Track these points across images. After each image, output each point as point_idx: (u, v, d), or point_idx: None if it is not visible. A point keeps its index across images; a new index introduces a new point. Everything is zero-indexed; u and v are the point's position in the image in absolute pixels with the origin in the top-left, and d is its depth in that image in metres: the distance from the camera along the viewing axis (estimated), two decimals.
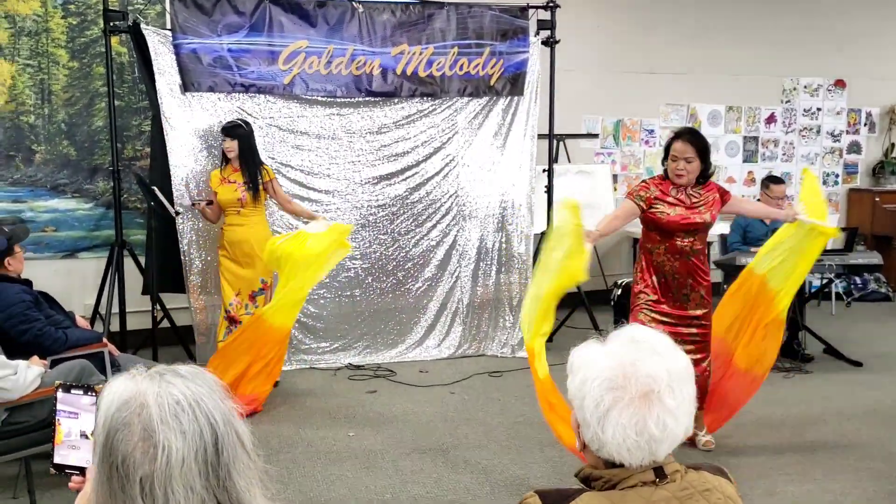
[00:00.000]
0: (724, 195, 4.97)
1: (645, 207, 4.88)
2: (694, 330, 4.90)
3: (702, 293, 4.94)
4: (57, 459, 1.83)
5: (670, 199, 4.86)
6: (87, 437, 1.81)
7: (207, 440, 1.33)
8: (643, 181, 5.09)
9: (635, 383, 1.66)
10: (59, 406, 1.84)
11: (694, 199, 4.86)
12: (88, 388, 1.85)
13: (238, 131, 6.19)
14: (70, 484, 1.79)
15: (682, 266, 4.89)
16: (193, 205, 6.38)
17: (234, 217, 6.23)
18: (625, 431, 1.65)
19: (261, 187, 6.21)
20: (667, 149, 4.94)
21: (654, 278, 4.93)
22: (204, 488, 1.31)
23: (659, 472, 1.70)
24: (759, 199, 7.61)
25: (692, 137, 4.87)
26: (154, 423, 1.31)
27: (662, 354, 1.72)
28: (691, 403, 1.72)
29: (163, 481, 1.29)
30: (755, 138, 10.15)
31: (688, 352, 4.66)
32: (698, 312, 4.92)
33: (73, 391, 1.84)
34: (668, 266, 4.90)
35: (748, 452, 5.06)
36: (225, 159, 6.27)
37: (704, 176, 4.92)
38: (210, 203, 6.30)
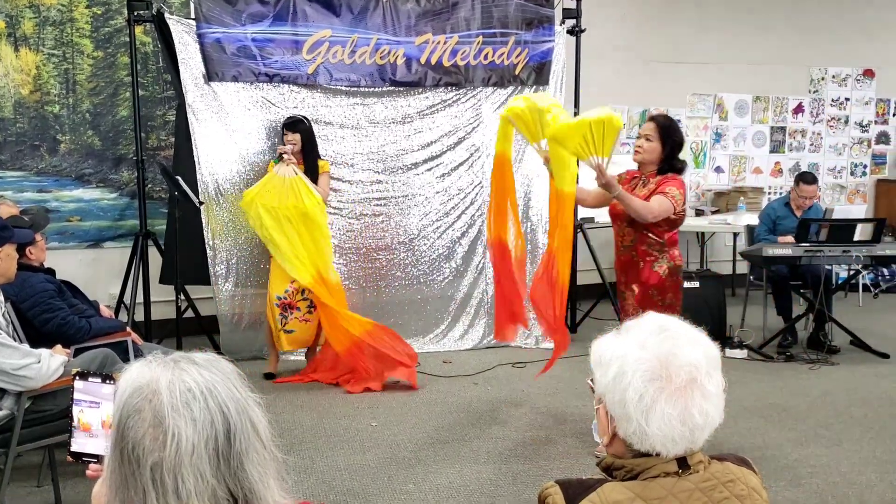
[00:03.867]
0: (655, 191, 4.65)
1: None
2: None
3: (633, 293, 4.75)
4: (74, 447, 1.83)
5: (625, 188, 4.73)
6: (105, 425, 1.80)
7: (219, 429, 1.31)
8: (625, 171, 5.04)
9: (678, 372, 1.64)
10: (76, 395, 1.84)
11: (639, 190, 4.70)
12: (107, 377, 1.84)
13: (300, 126, 6.26)
14: (88, 472, 1.78)
15: (618, 260, 4.83)
16: (282, 156, 6.15)
17: None
18: (670, 422, 1.63)
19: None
20: None
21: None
22: (214, 476, 1.30)
23: (682, 462, 1.67)
24: (790, 193, 7.50)
25: (660, 119, 4.77)
26: (165, 409, 1.30)
27: (696, 341, 1.70)
28: (722, 388, 1.70)
29: (172, 468, 1.28)
30: (782, 128, 10.05)
31: None
32: (633, 312, 4.62)
33: (90, 379, 1.84)
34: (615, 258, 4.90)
35: (772, 444, 5.01)
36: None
37: (671, 167, 4.71)
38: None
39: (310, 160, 6.31)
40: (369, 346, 6.09)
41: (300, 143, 6.26)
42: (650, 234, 4.67)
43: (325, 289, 6.13)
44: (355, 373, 6.15)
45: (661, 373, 1.64)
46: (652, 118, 4.80)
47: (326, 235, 6.26)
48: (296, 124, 6.28)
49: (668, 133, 4.69)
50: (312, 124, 6.48)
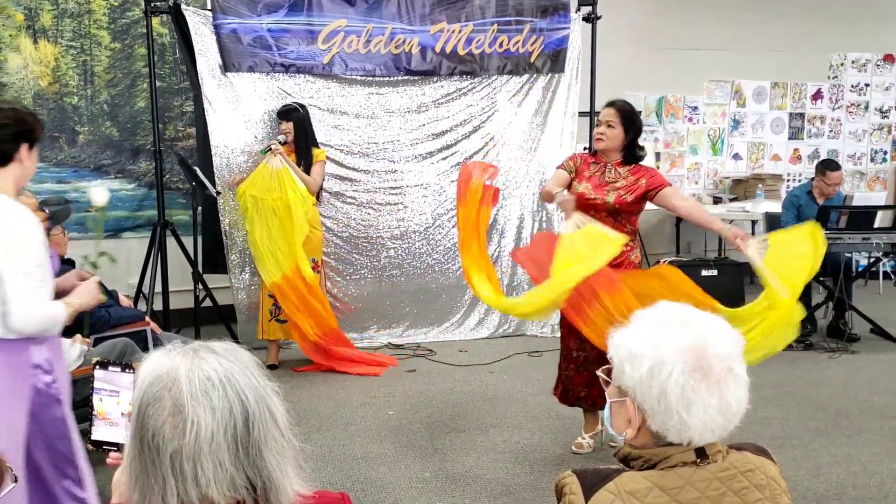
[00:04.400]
0: (653, 184, 4.45)
1: (571, 178, 4.56)
2: None
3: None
4: (95, 436, 1.85)
5: (586, 174, 4.53)
6: (125, 415, 1.82)
7: (237, 417, 1.33)
8: (574, 154, 4.85)
9: (717, 362, 1.64)
10: (97, 384, 1.85)
11: (609, 178, 4.49)
12: (126, 366, 1.85)
13: (293, 114, 6.23)
14: (108, 460, 1.80)
15: None
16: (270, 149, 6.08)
17: None
18: (711, 413, 1.63)
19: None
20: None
21: None
22: (233, 465, 1.31)
23: (700, 452, 1.67)
24: (812, 182, 7.41)
25: (620, 104, 4.55)
26: (184, 398, 1.31)
27: (723, 329, 1.70)
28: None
29: (192, 456, 1.29)
30: (801, 115, 9.97)
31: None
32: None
33: (110, 368, 1.85)
34: None
35: (792, 433, 4.99)
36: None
37: (633, 156, 4.54)
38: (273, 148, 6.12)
39: (303, 149, 6.27)
40: (325, 348, 6.23)
41: (293, 131, 6.23)
42: (628, 224, 4.52)
43: (293, 290, 6.06)
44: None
45: (700, 364, 1.63)
46: (611, 103, 4.57)
47: (305, 229, 6.12)
48: (289, 113, 6.25)
49: (631, 119, 4.52)
50: (327, 113, 6.52)
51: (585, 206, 4.45)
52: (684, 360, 1.63)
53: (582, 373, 4.62)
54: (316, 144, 6.39)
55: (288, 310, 6.08)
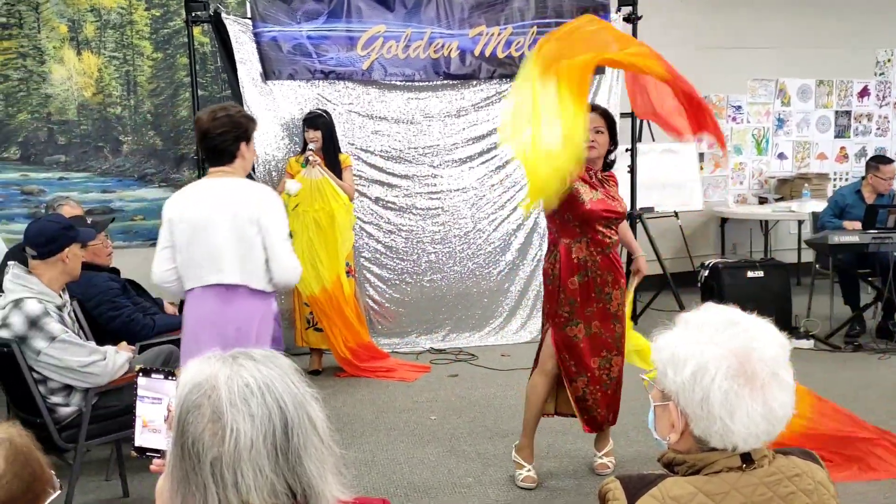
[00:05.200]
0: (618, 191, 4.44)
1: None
2: (618, 331, 4.34)
3: (622, 290, 4.36)
4: (138, 442, 1.86)
5: (589, 181, 4.24)
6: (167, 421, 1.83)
7: (277, 424, 1.32)
8: None
9: (761, 368, 1.61)
10: (140, 391, 1.87)
11: (606, 186, 4.32)
12: (170, 373, 1.87)
13: (320, 121, 6.23)
14: (151, 466, 1.81)
15: (606, 260, 4.25)
16: (308, 161, 6.10)
17: None
18: (755, 418, 1.60)
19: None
20: None
21: (575, 279, 4.24)
22: (273, 472, 1.31)
23: (746, 457, 1.64)
24: (861, 181, 7.27)
25: (602, 109, 4.43)
26: (223, 405, 1.31)
27: (769, 333, 1.67)
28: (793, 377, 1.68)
29: (232, 463, 1.29)
30: (847, 113, 9.81)
31: (614, 356, 4.31)
32: (619, 312, 4.35)
33: (153, 375, 1.86)
34: (590, 262, 4.23)
35: None
36: (305, 146, 6.29)
37: (609, 163, 4.38)
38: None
39: (330, 155, 6.22)
40: (358, 365, 6.26)
41: (321, 139, 6.17)
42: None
43: (330, 303, 6.08)
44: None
45: (744, 369, 1.60)
46: (593, 108, 4.32)
47: (349, 238, 6.23)
48: (316, 120, 6.21)
49: (613, 123, 4.39)
50: (367, 118, 6.56)
51: (602, 218, 4.23)
52: (728, 364, 1.60)
53: (606, 392, 4.39)
54: (340, 150, 6.40)
55: (323, 322, 6.12)
